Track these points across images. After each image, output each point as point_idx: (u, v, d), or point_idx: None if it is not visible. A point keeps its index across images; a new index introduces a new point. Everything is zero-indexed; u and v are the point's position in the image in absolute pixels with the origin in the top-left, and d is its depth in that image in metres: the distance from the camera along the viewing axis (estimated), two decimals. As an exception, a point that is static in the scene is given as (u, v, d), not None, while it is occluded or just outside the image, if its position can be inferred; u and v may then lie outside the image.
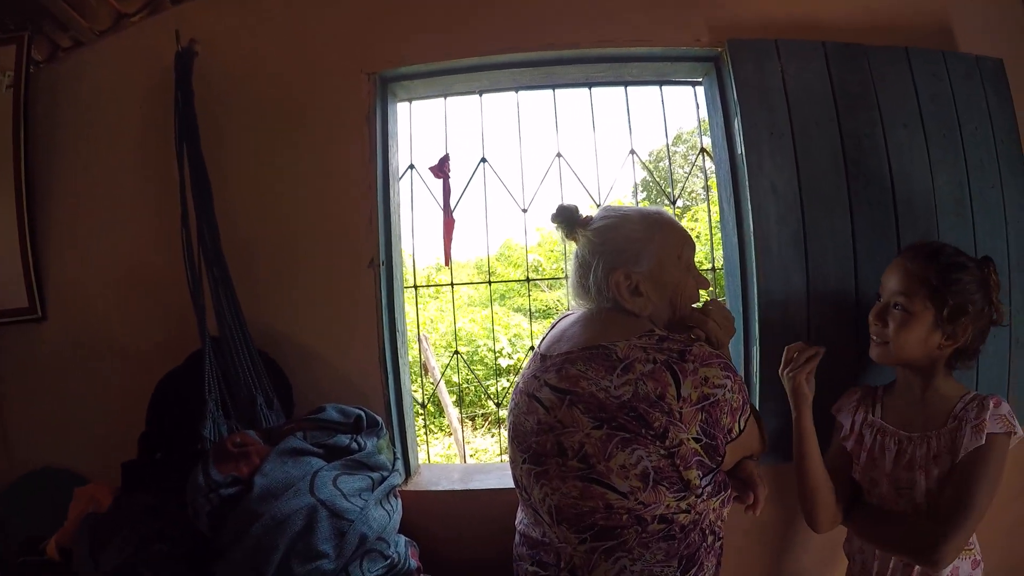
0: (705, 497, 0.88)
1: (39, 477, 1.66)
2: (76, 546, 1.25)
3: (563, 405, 0.88)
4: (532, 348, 1.21)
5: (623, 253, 0.97)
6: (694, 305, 1.04)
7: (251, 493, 1.10)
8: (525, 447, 0.95)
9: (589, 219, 1.03)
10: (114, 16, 1.62)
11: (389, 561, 1.16)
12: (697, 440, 0.85)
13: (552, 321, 1.14)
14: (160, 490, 1.24)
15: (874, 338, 1.18)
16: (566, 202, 1.06)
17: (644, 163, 1.54)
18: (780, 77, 1.39)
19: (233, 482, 1.12)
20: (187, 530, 1.18)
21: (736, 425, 0.90)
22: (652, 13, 1.43)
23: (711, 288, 1.06)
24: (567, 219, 1.04)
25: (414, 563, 1.23)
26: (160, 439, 1.35)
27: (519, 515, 1.07)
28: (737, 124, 1.40)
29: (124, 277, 1.61)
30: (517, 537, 1.06)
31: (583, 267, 1.00)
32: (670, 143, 8.64)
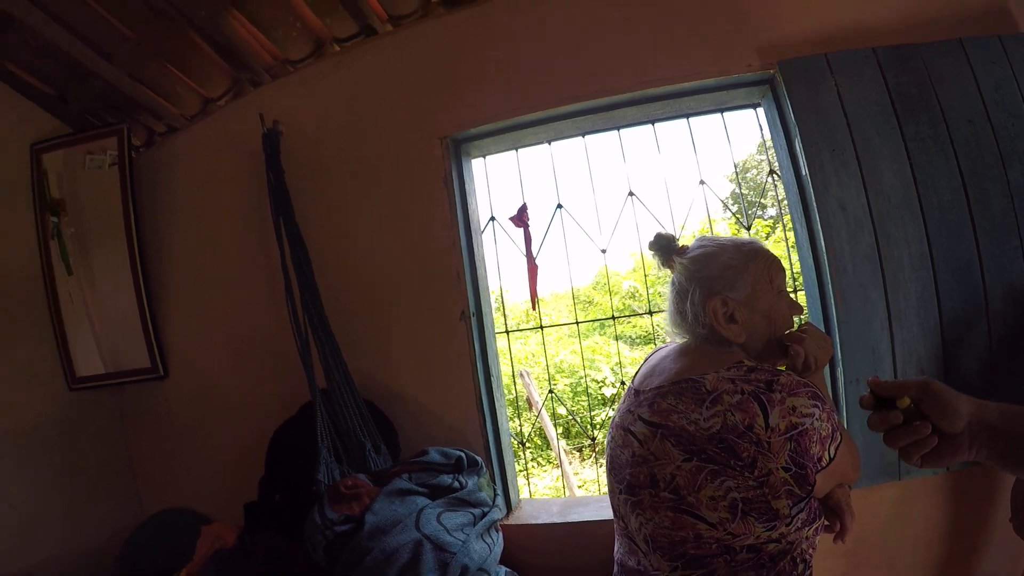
0: (799, 526, 0.88)
1: (165, 518, 1.85)
2: (205, 577, 1.39)
3: (655, 438, 0.91)
4: (623, 383, 1.24)
5: (720, 280, 0.99)
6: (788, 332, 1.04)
7: (362, 530, 1.21)
8: (620, 478, 0.99)
9: (685, 248, 1.06)
10: (201, 101, 1.81)
11: (490, 591, 1.24)
12: (787, 469, 0.84)
13: (646, 355, 1.16)
14: (280, 529, 1.37)
15: None
16: (663, 231, 1.09)
17: (715, 192, 1.55)
18: (835, 91, 1.38)
19: (346, 520, 1.24)
20: (305, 565, 1.30)
21: (826, 454, 0.88)
22: (701, 46, 1.45)
23: (804, 314, 1.06)
24: (663, 247, 1.07)
25: (514, 592, 1.30)
26: (278, 483, 1.50)
27: (616, 544, 1.10)
28: (798, 144, 1.40)
29: (237, 338, 1.78)
30: (615, 567, 1.09)
31: (680, 294, 1.02)
32: (744, 160, 8.35)
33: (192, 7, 1.53)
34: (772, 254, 1.04)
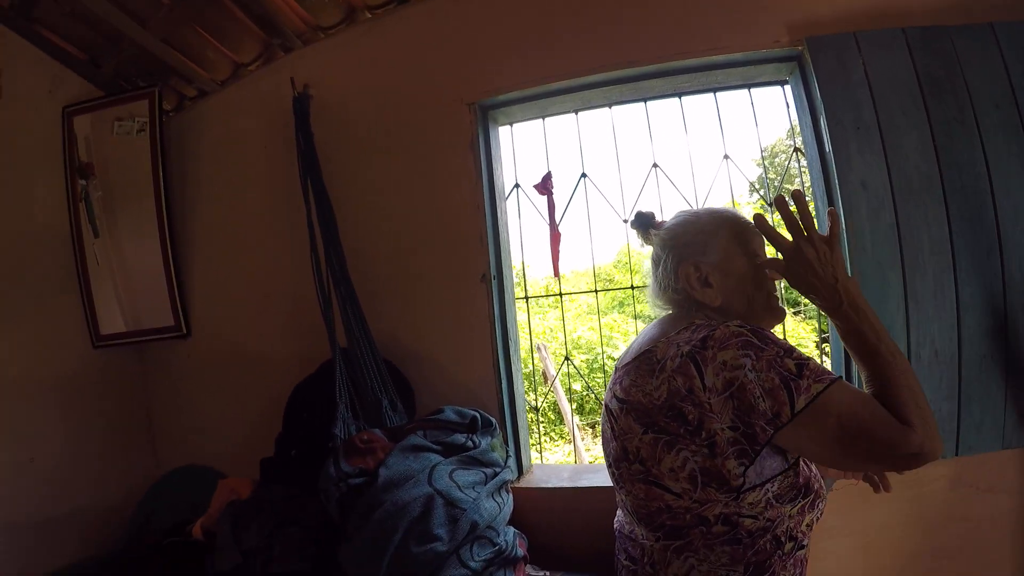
0: (773, 501, 0.85)
1: (183, 474, 1.90)
2: (219, 528, 1.42)
3: (623, 414, 0.93)
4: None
5: (691, 246, 1.00)
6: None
7: (376, 483, 1.23)
8: (607, 452, 1.02)
9: (663, 223, 1.08)
10: (232, 66, 1.85)
11: (497, 548, 1.26)
12: (733, 428, 0.81)
13: None
14: (295, 483, 1.40)
15: None
16: (643, 209, 1.12)
17: (739, 167, 1.53)
18: (862, 70, 1.37)
19: (360, 473, 1.26)
20: (318, 516, 1.33)
21: (785, 408, 0.79)
22: (729, 20, 1.45)
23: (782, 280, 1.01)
24: (642, 223, 1.10)
25: (521, 552, 1.32)
26: (295, 439, 1.53)
27: (617, 511, 1.14)
28: (823, 121, 1.39)
29: (260, 298, 1.82)
30: (615, 532, 1.12)
31: (655, 263, 1.04)
32: (772, 144, 8.27)
33: (226, -27, 1.56)
34: (745, 219, 1.03)
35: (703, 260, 0.98)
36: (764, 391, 0.79)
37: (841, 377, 0.82)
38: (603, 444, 1.04)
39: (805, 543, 0.93)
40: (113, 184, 1.93)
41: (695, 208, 1.10)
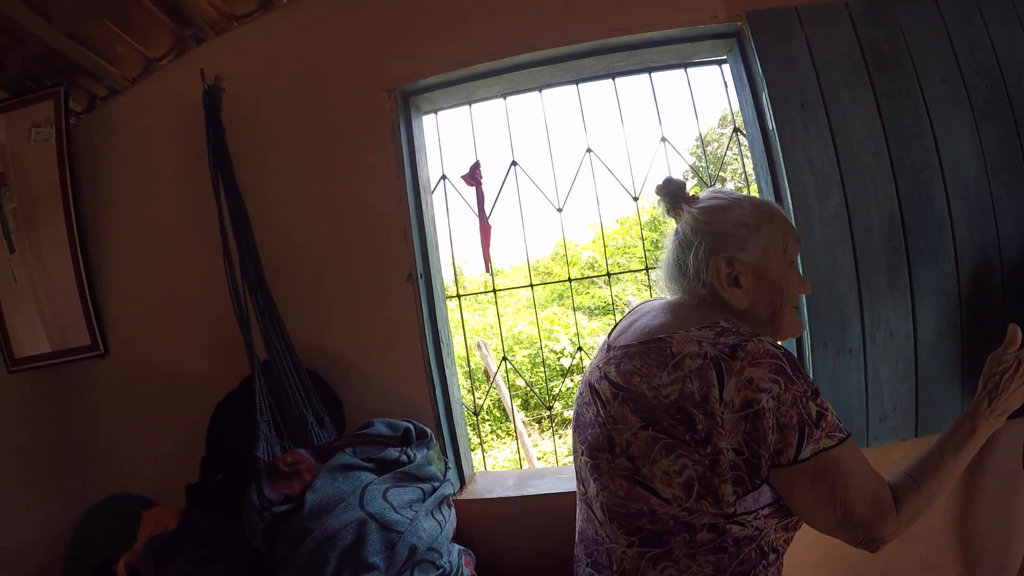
0: (766, 514, 0.79)
1: (111, 504, 1.76)
2: (143, 566, 1.32)
3: (616, 400, 0.84)
4: (580, 349, 1.17)
5: (730, 237, 0.89)
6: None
7: (303, 509, 1.13)
8: (583, 438, 0.92)
9: (696, 197, 0.96)
10: (144, 62, 1.71)
11: (441, 571, 1.17)
12: (738, 453, 0.75)
13: (631, 308, 1.07)
14: (222, 510, 1.29)
15: None
16: (672, 176, 0.99)
17: (677, 150, 1.46)
18: (805, 45, 1.33)
19: (286, 500, 1.16)
20: (246, 548, 1.22)
21: (790, 450, 0.74)
22: (664, -7, 1.39)
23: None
24: (672, 192, 0.96)
25: (468, 572, 1.23)
26: (220, 461, 1.41)
27: (577, 511, 1.03)
28: (765, 99, 1.34)
29: (178, 310, 1.69)
30: (576, 536, 1.02)
31: (683, 246, 0.92)
32: (714, 126, 8.35)
33: (132, -40, 1.44)
34: (787, 218, 0.95)
35: (738, 256, 0.88)
36: (778, 425, 0.74)
37: (851, 435, 0.79)
38: (576, 427, 0.95)
39: (783, 554, 0.88)
40: (31, 194, 1.76)
41: (735, 193, 0.98)
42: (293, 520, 1.13)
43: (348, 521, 1.11)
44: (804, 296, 1.29)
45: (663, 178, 0.98)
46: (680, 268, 0.92)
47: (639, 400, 0.81)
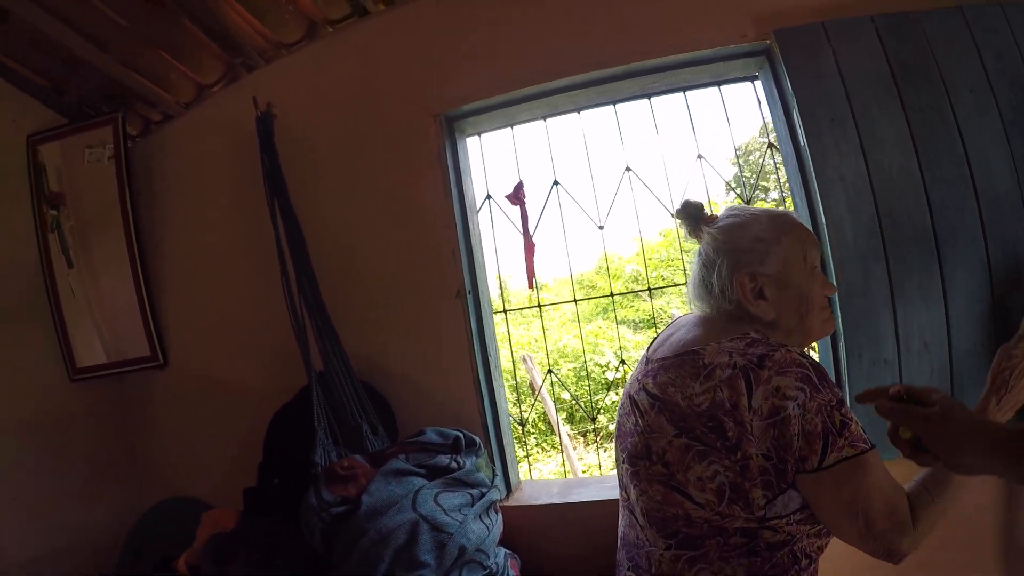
0: (797, 520, 0.82)
1: (169, 507, 1.86)
2: (204, 563, 1.39)
3: (653, 410, 0.88)
4: (623, 362, 1.20)
5: (749, 253, 0.93)
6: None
7: (359, 511, 1.20)
8: (624, 446, 0.96)
9: (715, 217, 1.00)
10: (196, 88, 1.82)
11: (487, 571, 1.23)
12: (767, 458, 0.78)
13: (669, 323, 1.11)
14: (278, 513, 1.36)
15: None
16: (690, 198, 1.03)
17: (713, 167, 1.50)
18: (833, 61, 1.35)
19: (342, 502, 1.23)
20: (303, 548, 1.29)
21: (814, 456, 0.77)
22: (695, 17, 1.43)
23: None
24: (691, 215, 1.01)
25: (513, 573, 1.29)
26: (276, 467, 1.50)
27: (620, 517, 1.07)
28: (796, 115, 1.37)
29: (235, 324, 1.79)
30: (619, 541, 1.07)
31: (707, 266, 0.96)
32: (746, 143, 8.22)
33: (185, -7, 1.52)
34: (807, 228, 0.98)
35: (760, 271, 0.92)
36: (803, 432, 0.77)
37: (875, 447, 0.80)
38: (618, 437, 0.99)
39: (816, 561, 0.90)
40: (86, 213, 1.88)
41: (751, 208, 1.02)
42: (349, 521, 1.20)
43: (401, 522, 1.18)
44: (839, 307, 1.32)
45: (681, 202, 1.02)
46: (706, 287, 0.96)
47: (674, 409, 0.85)
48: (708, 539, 0.84)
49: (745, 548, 0.83)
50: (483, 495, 1.29)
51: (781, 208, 1.04)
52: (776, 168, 1.56)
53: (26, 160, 1.87)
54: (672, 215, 1.06)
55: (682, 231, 1.04)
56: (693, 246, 1.04)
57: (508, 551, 1.32)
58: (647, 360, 0.98)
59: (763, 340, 0.85)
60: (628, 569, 0.98)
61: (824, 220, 1.33)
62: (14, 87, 1.82)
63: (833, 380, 1.24)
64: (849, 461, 0.77)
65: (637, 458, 0.91)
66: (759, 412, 0.78)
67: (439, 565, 1.16)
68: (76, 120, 1.91)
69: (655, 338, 1.06)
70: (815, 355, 1.62)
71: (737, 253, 0.93)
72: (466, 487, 1.28)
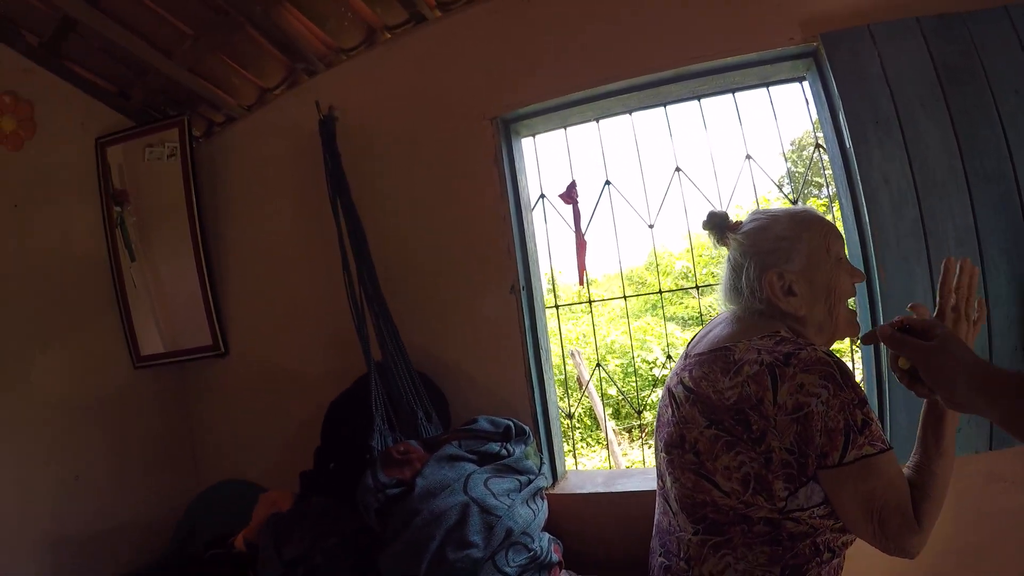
0: (821, 515, 0.85)
1: (224, 488, 1.96)
2: (262, 540, 1.47)
3: (687, 402, 0.92)
4: (670, 358, 1.22)
5: (774, 253, 0.97)
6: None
7: (413, 492, 1.27)
8: (662, 435, 1.01)
9: (739, 223, 1.04)
10: (258, 92, 1.91)
11: (532, 554, 1.28)
12: (790, 451, 0.82)
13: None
14: (333, 494, 1.44)
15: None
16: (715, 209, 1.07)
17: (761, 167, 1.53)
18: (878, 63, 1.36)
19: (397, 484, 1.30)
20: (357, 526, 1.37)
21: (835, 453, 0.80)
22: (742, 22, 1.46)
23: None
24: (717, 225, 1.06)
25: (556, 557, 1.34)
26: (333, 452, 1.58)
27: (656, 506, 1.13)
28: (842, 117, 1.39)
29: (295, 315, 1.88)
30: (654, 529, 1.12)
31: (735, 270, 1.00)
32: (800, 137, 8.08)
33: (247, 3, 1.61)
34: (827, 221, 1.02)
35: (787, 268, 0.95)
36: (825, 428, 0.80)
37: (891, 449, 0.83)
38: (657, 427, 1.05)
39: (840, 555, 0.93)
40: (147, 209, 2.00)
41: (772, 209, 1.05)
42: (404, 501, 1.26)
43: (453, 504, 1.24)
44: (881, 308, 1.34)
45: (707, 213, 1.07)
46: (736, 290, 1.01)
47: (705, 402, 0.89)
48: (733, 526, 0.89)
49: (768, 536, 0.87)
50: (531, 482, 1.35)
51: (801, 205, 1.07)
52: (823, 169, 1.57)
53: (95, 161, 1.99)
54: (700, 226, 1.09)
55: (710, 241, 1.09)
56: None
57: (552, 536, 1.37)
58: (686, 355, 1.03)
59: (791, 339, 0.89)
60: (660, 555, 1.04)
61: (868, 221, 1.35)
62: (83, 92, 1.93)
63: (875, 381, 1.26)
64: (868, 459, 0.80)
65: (672, 447, 0.96)
66: (784, 407, 0.81)
67: (487, 545, 1.21)
68: (141, 122, 2.02)
69: (696, 334, 1.11)
70: (858, 356, 1.63)
71: (763, 254, 0.98)
72: (515, 473, 1.34)
